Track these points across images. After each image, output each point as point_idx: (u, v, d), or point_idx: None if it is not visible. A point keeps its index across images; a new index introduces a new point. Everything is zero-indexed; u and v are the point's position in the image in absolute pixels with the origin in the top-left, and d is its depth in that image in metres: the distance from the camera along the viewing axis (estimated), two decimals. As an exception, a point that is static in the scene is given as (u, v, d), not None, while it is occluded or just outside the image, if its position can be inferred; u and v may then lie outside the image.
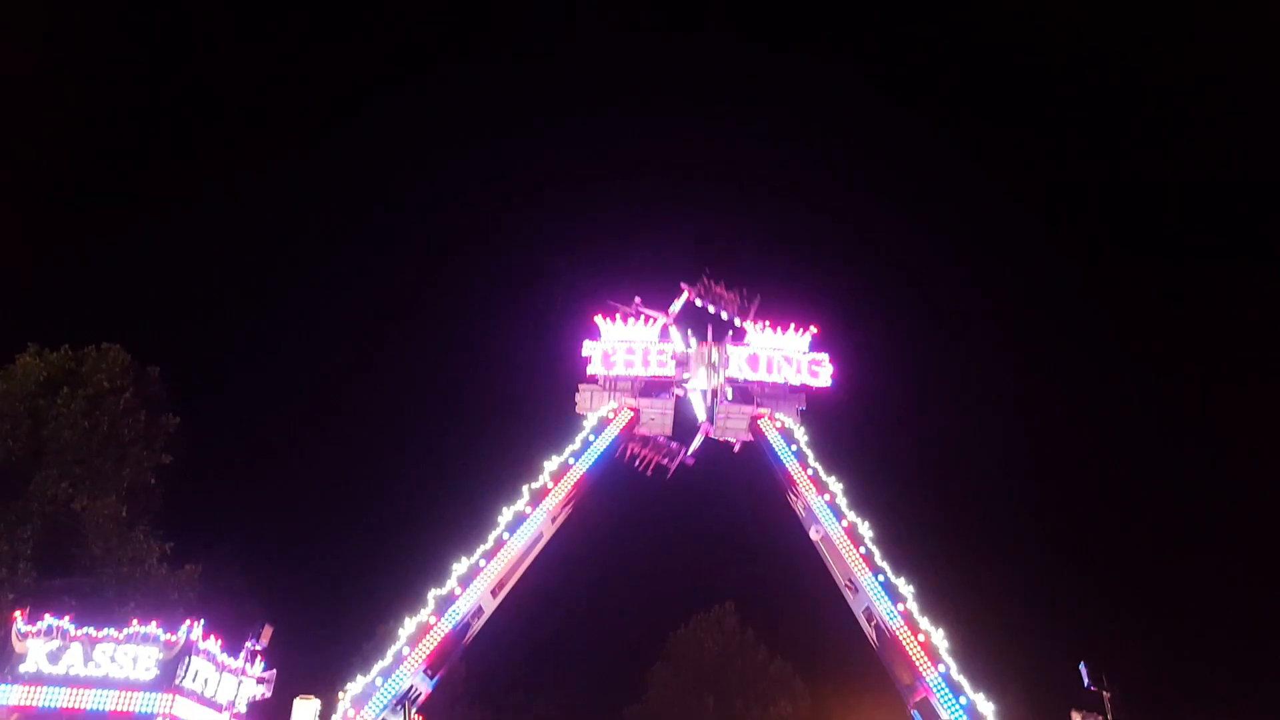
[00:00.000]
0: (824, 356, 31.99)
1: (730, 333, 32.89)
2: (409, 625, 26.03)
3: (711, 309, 33.67)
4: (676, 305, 33.30)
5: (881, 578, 26.77)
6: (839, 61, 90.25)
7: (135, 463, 32.43)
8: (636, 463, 32.24)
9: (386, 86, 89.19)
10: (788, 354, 31.87)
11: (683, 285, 33.47)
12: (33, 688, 20.99)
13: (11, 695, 20.93)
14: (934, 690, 24.52)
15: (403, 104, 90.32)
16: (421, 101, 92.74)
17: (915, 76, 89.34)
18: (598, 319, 32.23)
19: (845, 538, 27.80)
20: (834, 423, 32.57)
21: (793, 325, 32.39)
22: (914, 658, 25.21)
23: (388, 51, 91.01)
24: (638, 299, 33.22)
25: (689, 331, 32.95)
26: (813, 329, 32.33)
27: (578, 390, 32.17)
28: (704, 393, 32.33)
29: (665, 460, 32.28)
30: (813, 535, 29.23)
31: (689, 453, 32.34)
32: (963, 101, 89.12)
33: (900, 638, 25.61)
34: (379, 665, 25.45)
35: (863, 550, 27.42)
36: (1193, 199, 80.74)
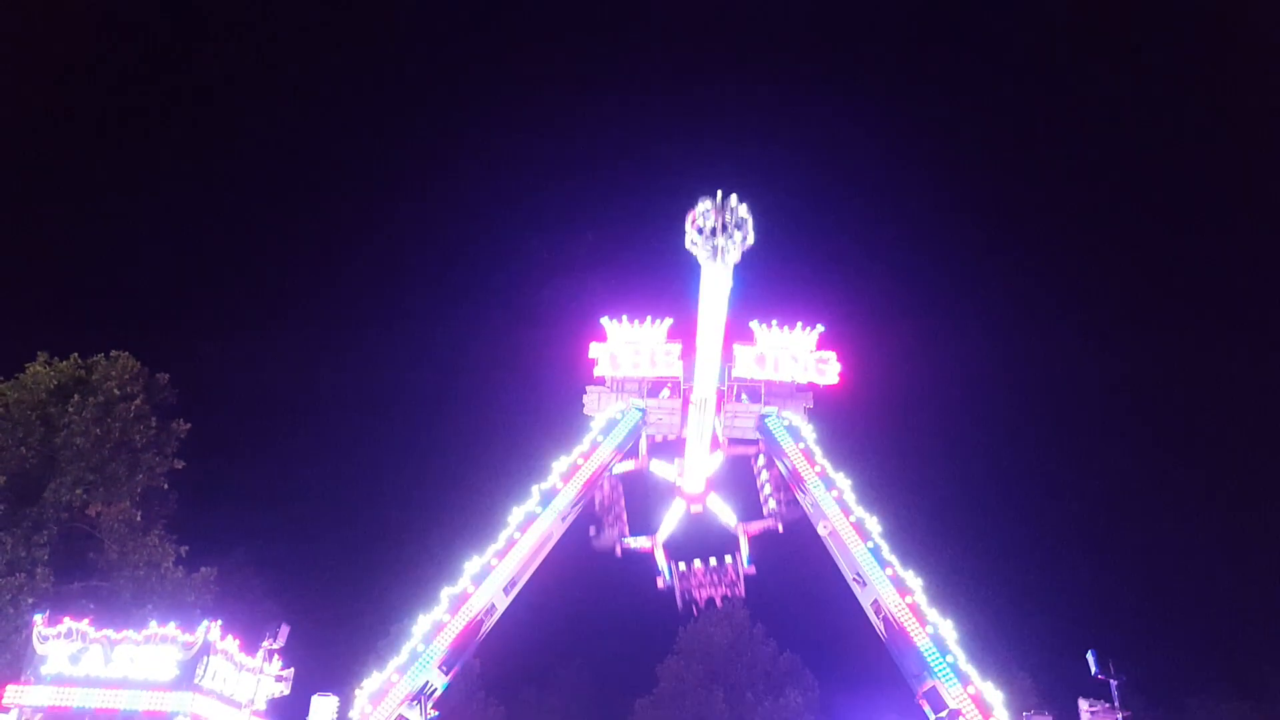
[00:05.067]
0: (831, 354, 32.03)
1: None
2: (423, 623, 26.39)
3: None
4: None
5: (889, 571, 27.05)
6: (853, 56, 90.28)
7: (148, 468, 32.73)
8: (694, 608, 33.61)
9: (398, 93, 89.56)
10: (795, 352, 31.93)
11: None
12: (56, 688, 21.29)
13: (35, 696, 21.25)
14: (942, 680, 24.83)
15: (410, 111, 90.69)
16: (428, 111, 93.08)
17: (930, 74, 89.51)
18: (604, 321, 32.44)
19: (853, 532, 28.08)
20: (842, 419, 32.83)
21: (800, 323, 32.44)
22: (922, 648, 25.51)
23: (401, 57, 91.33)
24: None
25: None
26: (820, 327, 32.32)
27: (586, 392, 32.46)
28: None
29: (729, 589, 33.27)
30: (821, 530, 29.49)
31: (746, 564, 32.92)
32: (976, 94, 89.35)
33: (908, 629, 25.91)
34: (395, 662, 25.83)
35: (870, 544, 27.70)
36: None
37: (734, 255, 21.28)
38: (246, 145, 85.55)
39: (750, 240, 21.30)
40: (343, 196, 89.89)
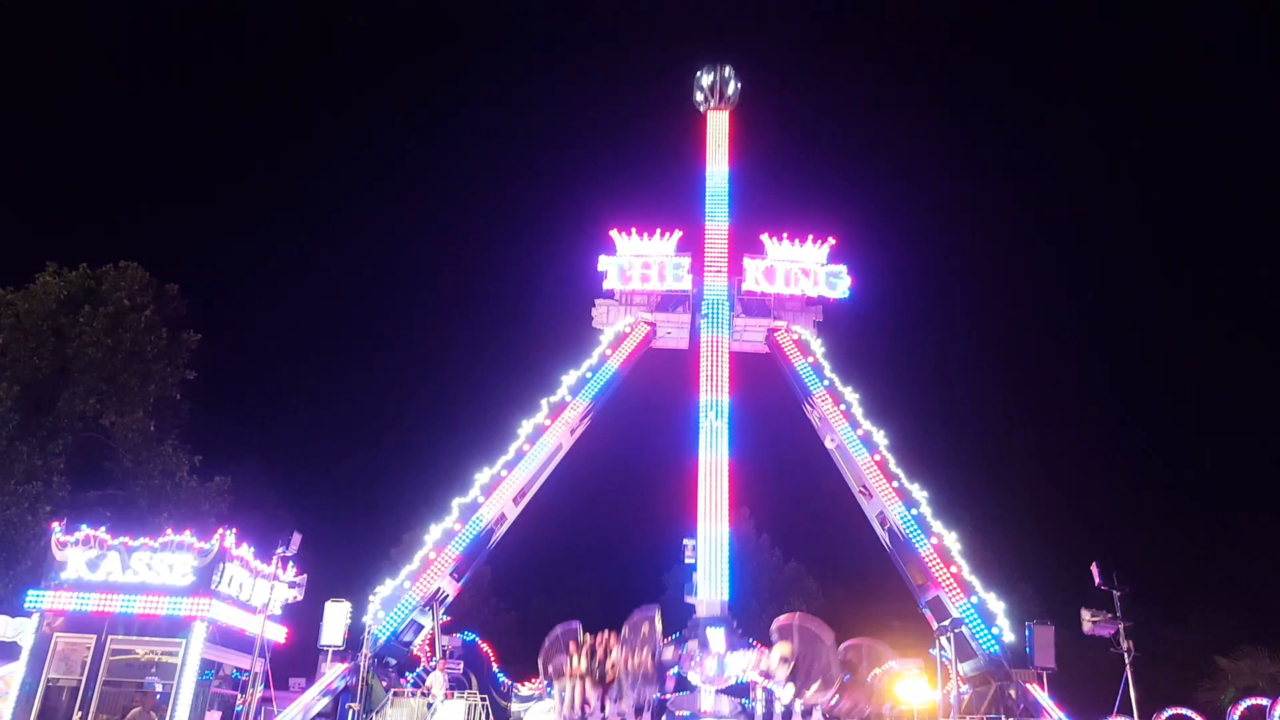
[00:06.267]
0: (842, 268, 31.79)
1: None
2: (435, 532, 26.84)
3: None
4: None
5: (895, 483, 27.26)
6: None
7: (160, 379, 32.81)
8: None
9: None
10: (805, 266, 31.67)
11: None
12: (76, 593, 21.75)
13: (56, 600, 21.76)
14: (945, 589, 25.21)
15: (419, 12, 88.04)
16: (438, 15, 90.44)
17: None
18: (613, 234, 32.11)
19: (860, 445, 28.23)
20: (851, 333, 32.63)
21: (811, 237, 32.11)
22: (926, 559, 25.86)
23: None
24: None
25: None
26: (831, 240, 32.04)
27: (594, 305, 32.31)
28: None
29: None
30: (828, 444, 29.65)
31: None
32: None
33: (913, 540, 26.23)
34: (407, 569, 26.37)
35: (877, 457, 27.88)
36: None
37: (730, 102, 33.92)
38: (262, 52, 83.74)
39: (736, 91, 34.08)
40: (351, 109, 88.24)
